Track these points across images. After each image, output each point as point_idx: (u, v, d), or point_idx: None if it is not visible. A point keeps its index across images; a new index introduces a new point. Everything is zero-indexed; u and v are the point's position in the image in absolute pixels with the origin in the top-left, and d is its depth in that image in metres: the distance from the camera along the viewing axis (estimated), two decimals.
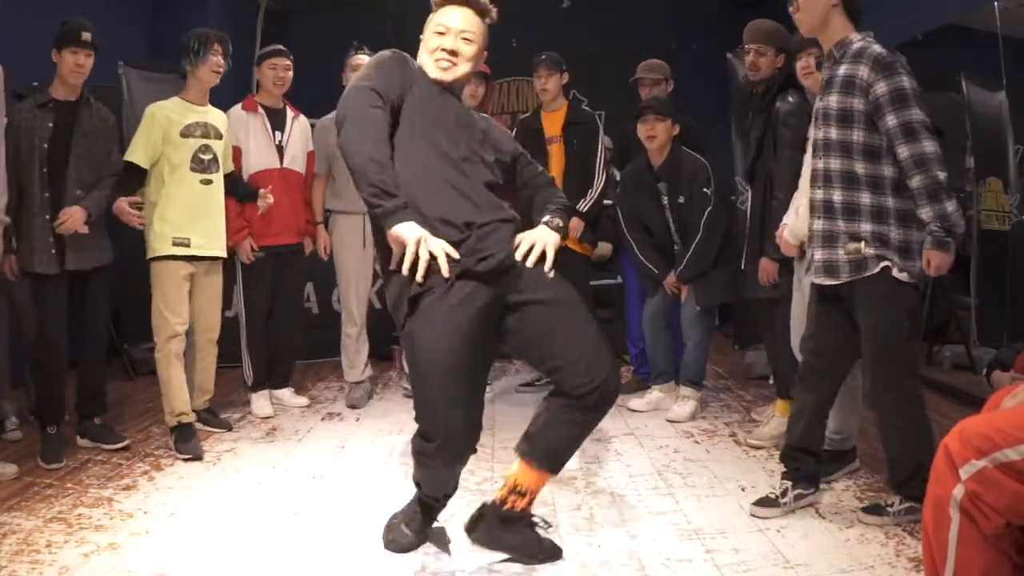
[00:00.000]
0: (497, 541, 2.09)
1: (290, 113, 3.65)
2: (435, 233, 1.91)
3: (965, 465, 1.45)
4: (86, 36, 2.88)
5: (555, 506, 2.51)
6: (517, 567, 2.08)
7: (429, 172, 2.00)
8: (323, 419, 3.57)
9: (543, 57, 3.90)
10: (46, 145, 2.88)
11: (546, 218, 2.11)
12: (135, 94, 4.45)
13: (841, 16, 2.27)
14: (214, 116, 3.25)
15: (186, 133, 3.11)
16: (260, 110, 3.56)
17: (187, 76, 3.18)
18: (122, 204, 3.03)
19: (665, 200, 3.60)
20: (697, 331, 3.56)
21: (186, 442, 3.01)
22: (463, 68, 2.10)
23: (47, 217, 2.87)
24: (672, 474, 2.82)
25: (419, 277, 1.88)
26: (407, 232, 1.87)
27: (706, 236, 3.51)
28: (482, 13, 2.13)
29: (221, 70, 3.20)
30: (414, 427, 2.00)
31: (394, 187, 1.90)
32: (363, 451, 3.10)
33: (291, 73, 3.61)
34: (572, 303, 2.04)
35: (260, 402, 3.63)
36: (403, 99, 2.03)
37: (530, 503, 2.08)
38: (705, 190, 3.51)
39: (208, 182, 3.16)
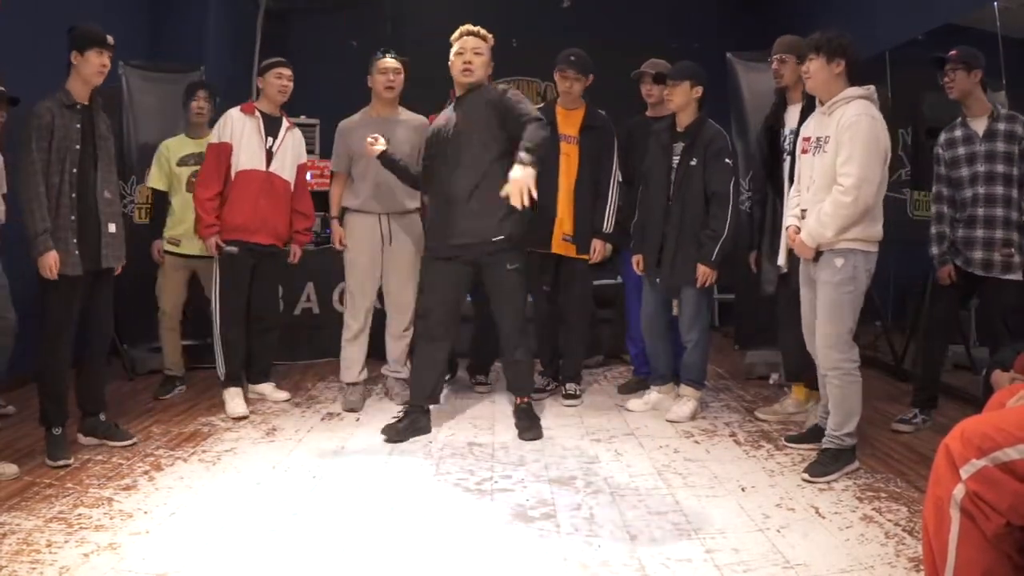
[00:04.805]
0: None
1: (285, 123, 3.77)
2: None
3: (966, 464, 1.45)
4: (111, 39, 2.95)
5: (555, 506, 2.50)
6: (519, 568, 2.08)
7: None
8: (323, 419, 3.57)
9: (572, 59, 3.70)
10: (77, 146, 2.91)
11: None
12: (135, 94, 4.46)
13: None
14: None
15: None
16: (257, 114, 3.66)
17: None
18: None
19: (676, 161, 3.52)
20: (695, 331, 3.55)
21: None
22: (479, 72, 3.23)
23: (72, 218, 2.88)
24: (672, 474, 2.82)
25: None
26: None
27: (728, 203, 3.43)
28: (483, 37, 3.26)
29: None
30: None
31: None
32: (363, 451, 3.10)
33: (292, 84, 3.74)
34: None
35: (234, 402, 3.61)
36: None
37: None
38: (727, 160, 3.46)
39: None
